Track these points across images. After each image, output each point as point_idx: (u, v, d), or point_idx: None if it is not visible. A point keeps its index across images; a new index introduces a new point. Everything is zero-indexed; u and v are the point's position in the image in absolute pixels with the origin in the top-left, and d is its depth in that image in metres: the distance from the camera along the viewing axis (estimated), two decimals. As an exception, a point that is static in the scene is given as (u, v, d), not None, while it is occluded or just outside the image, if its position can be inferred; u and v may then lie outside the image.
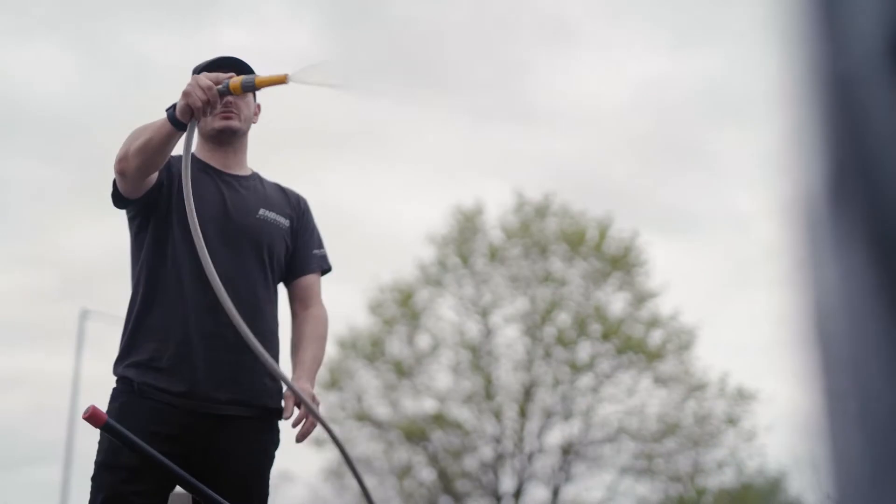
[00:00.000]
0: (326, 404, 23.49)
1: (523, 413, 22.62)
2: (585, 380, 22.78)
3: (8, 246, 33.34)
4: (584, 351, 22.74)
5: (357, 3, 31.75)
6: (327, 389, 23.42)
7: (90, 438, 3.42)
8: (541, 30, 32.11)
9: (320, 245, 3.76)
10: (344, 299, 25.49)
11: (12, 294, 31.94)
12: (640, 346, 22.53)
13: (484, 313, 23.14)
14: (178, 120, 3.16)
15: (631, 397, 22.80)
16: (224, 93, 3.20)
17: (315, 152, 32.43)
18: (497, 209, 23.80)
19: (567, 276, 23.12)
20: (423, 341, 23.39)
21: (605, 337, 22.58)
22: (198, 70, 3.55)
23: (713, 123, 33.68)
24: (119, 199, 3.42)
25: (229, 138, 3.58)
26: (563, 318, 22.85)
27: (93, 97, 32.47)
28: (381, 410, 23.41)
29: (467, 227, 23.66)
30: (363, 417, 23.27)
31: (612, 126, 31.85)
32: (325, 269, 3.76)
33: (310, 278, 3.70)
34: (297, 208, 3.72)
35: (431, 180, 33.60)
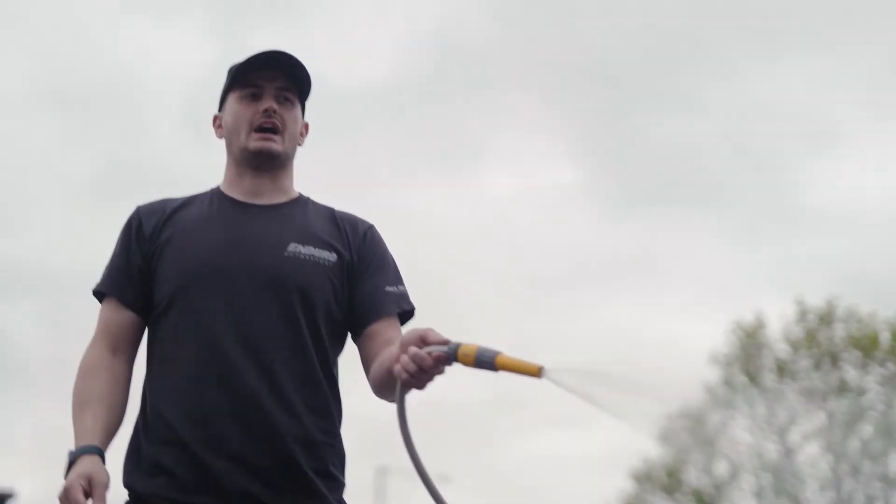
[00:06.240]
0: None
1: (838, 533, 21.60)
2: (901, 492, 21.61)
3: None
4: (894, 463, 21.64)
5: (613, 129, 32.02)
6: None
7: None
8: (803, 133, 31.50)
9: (397, 281, 2.68)
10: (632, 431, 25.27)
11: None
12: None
13: (781, 432, 22.37)
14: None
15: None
16: (450, 360, 2.15)
17: (588, 288, 32.57)
18: (779, 321, 23.24)
19: (864, 383, 22.18)
20: (721, 467, 22.83)
21: (916, 445, 21.42)
22: (234, 71, 2.67)
23: None
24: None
25: (268, 164, 2.65)
26: (867, 430, 21.85)
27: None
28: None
29: (750, 344, 23.13)
30: (668, 552, 22.86)
31: (888, 221, 30.67)
32: (406, 310, 2.66)
33: (384, 324, 2.60)
34: (353, 237, 2.67)
35: (707, 299, 33.08)
